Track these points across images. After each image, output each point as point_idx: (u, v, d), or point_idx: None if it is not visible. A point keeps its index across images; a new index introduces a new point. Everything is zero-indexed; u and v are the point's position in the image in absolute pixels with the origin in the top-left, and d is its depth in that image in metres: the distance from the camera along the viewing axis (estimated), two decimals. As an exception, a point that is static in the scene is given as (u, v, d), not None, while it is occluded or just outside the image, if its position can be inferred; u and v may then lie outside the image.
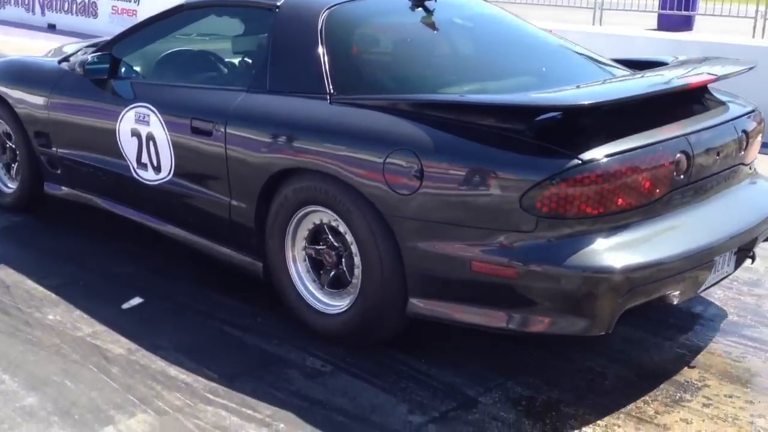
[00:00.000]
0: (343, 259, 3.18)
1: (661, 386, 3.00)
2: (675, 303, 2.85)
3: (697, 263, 2.84)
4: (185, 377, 3.04)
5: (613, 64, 3.79)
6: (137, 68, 4.18)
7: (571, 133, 2.78)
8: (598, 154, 2.68)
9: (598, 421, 2.78)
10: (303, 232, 3.29)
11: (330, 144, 3.07)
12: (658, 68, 3.67)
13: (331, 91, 3.21)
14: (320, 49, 3.33)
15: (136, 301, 3.72)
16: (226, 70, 4.17)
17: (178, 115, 3.66)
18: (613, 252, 2.68)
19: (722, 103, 3.40)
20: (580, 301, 2.66)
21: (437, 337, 3.31)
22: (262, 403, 2.87)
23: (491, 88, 3.39)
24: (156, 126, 3.74)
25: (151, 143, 3.78)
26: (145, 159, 3.84)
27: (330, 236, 3.20)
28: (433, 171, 2.80)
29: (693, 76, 3.23)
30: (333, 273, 3.23)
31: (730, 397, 2.95)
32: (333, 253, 3.21)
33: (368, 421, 2.79)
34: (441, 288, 2.90)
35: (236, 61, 4.24)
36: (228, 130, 3.40)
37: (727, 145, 3.17)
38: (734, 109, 3.38)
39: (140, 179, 3.91)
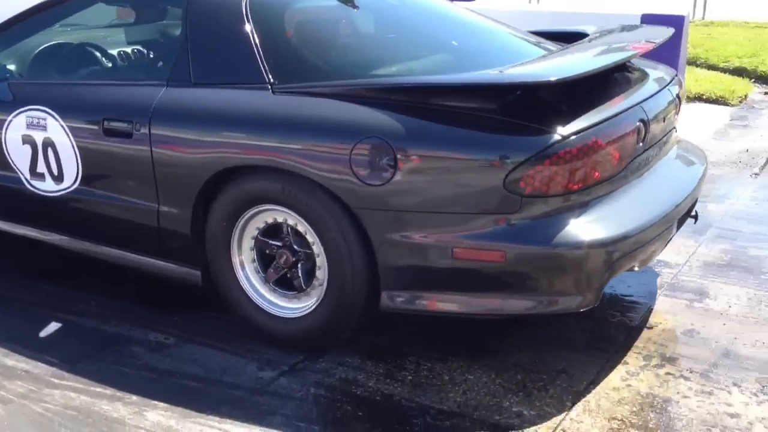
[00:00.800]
0: (300, 264, 2.98)
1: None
2: (636, 270, 2.90)
3: (662, 230, 2.90)
4: (25, 365, 2.98)
5: (542, 40, 3.73)
6: (17, 67, 3.72)
7: (543, 109, 2.73)
8: (575, 128, 2.64)
9: (435, 354, 3.03)
10: (251, 231, 3.03)
11: (282, 138, 2.82)
12: (592, 39, 3.60)
13: (271, 80, 2.94)
14: (251, 36, 3.05)
15: (-44, 299, 3.57)
16: (133, 64, 3.85)
17: (84, 117, 3.26)
18: (596, 226, 2.66)
19: (654, 69, 3.47)
20: (570, 279, 2.64)
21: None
22: (110, 381, 2.87)
23: (434, 67, 3.27)
24: (55, 131, 3.31)
25: (49, 150, 3.35)
26: (41, 168, 3.41)
27: (290, 237, 2.98)
28: (406, 159, 2.64)
29: (636, 45, 3.23)
30: (283, 272, 3.02)
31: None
32: (289, 254, 2.99)
33: (221, 383, 2.87)
34: (418, 279, 2.76)
35: (142, 52, 3.88)
36: (153, 130, 3.06)
37: (668, 110, 3.24)
38: (664, 75, 3.44)
39: (36, 191, 3.47)
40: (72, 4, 3.66)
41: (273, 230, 3.00)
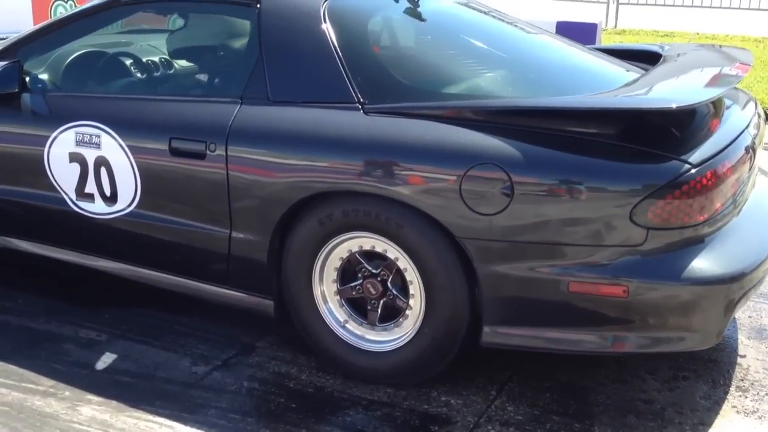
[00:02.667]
0: (389, 284, 2.78)
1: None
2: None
3: None
4: (-48, 363, 2.95)
5: (620, 62, 3.49)
6: (51, 76, 3.44)
7: (666, 136, 2.56)
8: (702, 156, 2.48)
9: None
10: (334, 262, 2.83)
11: (378, 162, 2.63)
12: (677, 59, 3.39)
13: (361, 99, 2.75)
14: (334, 51, 2.84)
15: None
16: (198, 78, 3.54)
17: (147, 135, 3.01)
18: (720, 260, 2.51)
19: (739, 93, 3.29)
20: (695, 315, 2.49)
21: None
22: (42, 377, 2.88)
23: (530, 90, 3.09)
24: (111, 149, 3.05)
25: (102, 170, 3.10)
26: (90, 189, 3.15)
27: (365, 264, 2.79)
28: (524, 187, 2.47)
29: (738, 67, 3.06)
30: (381, 304, 2.81)
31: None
32: (376, 281, 2.78)
33: (154, 378, 2.90)
34: (527, 313, 2.59)
35: (207, 67, 3.55)
36: (230, 152, 2.84)
37: (761, 135, 3.08)
38: (745, 96, 3.27)
39: (83, 213, 3.21)
40: (110, 14, 3.42)
41: (360, 259, 2.81)
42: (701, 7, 15.53)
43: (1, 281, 3.65)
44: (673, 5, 15.74)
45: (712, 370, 2.97)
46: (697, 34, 12.72)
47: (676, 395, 2.81)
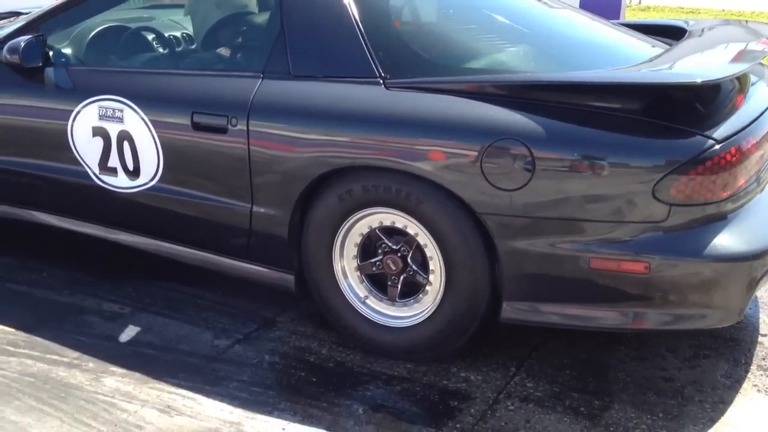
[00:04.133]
0: (410, 260, 2.78)
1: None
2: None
3: None
4: (-21, 334, 3.00)
5: (645, 36, 3.44)
6: (74, 51, 3.44)
7: (690, 112, 2.54)
8: (726, 132, 2.46)
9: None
10: (355, 237, 2.84)
11: (400, 137, 2.62)
12: (701, 35, 3.33)
13: (382, 74, 2.74)
14: (355, 25, 2.83)
15: None
16: (220, 53, 3.53)
17: (169, 109, 3.03)
18: (743, 237, 2.48)
19: (765, 69, 3.24)
20: (718, 292, 2.47)
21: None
22: (66, 348, 2.92)
23: (551, 64, 3.05)
24: (134, 123, 3.07)
25: (125, 144, 3.12)
26: (114, 163, 3.17)
27: (385, 240, 2.80)
28: (546, 162, 2.45)
29: (762, 42, 3.01)
30: (402, 280, 2.82)
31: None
32: (397, 257, 2.79)
33: (176, 350, 2.94)
34: (547, 289, 2.59)
35: (228, 41, 3.53)
36: (251, 126, 2.84)
37: None
38: (760, 74, 3.18)
39: (106, 186, 3.23)
40: None
41: (381, 234, 2.81)
42: (728, -17, 15.31)
43: (26, 254, 3.70)
44: (699, -19, 15.53)
45: (733, 348, 2.96)
46: (723, 10, 12.57)
47: (697, 373, 2.81)
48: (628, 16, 11.09)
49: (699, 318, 2.52)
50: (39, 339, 2.97)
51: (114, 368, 2.80)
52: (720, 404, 2.63)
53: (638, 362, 2.88)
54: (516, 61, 3.07)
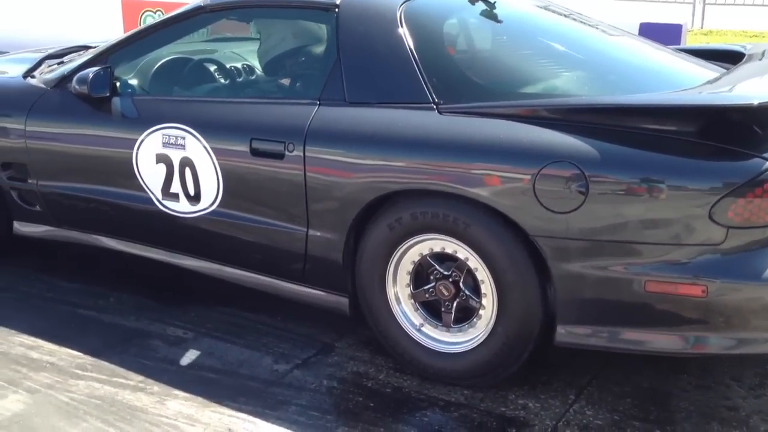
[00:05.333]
0: (462, 285, 2.80)
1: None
2: None
3: None
4: (49, 357, 3.09)
5: (702, 61, 3.46)
6: (139, 82, 3.57)
7: (746, 134, 2.51)
8: None
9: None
10: (407, 266, 2.87)
11: (453, 161, 2.65)
12: (758, 58, 3.31)
13: (436, 99, 2.78)
14: (409, 52, 2.89)
15: (-22, 295, 3.68)
16: (278, 81, 3.65)
17: (228, 136, 3.10)
18: None
19: None
20: None
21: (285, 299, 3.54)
22: (131, 372, 2.99)
23: (604, 87, 3.06)
24: (195, 149, 3.15)
25: (187, 170, 3.19)
26: (176, 188, 3.25)
27: (436, 266, 2.82)
28: (599, 185, 2.46)
29: None
30: (455, 305, 2.82)
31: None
32: (449, 283, 2.81)
33: (237, 374, 2.99)
34: (602, 313, 2.57)
35: (286, 70, 3.64)
36: (307, 152, 2.90)
37: None
38: None
39: (168, 212, 3.32)
40: (196, 21, 3.50)
41: (432, 261, 2.83)
42: (792, 6, 15.01)
43: (95, 281, 3.81)
44: (763, 4, 15.21)
45: (800, 378, 2.89)
46: (788, 34, 12.32)
47: (762, 402, 2.75)
48: (690, 40, 10.95)
49: (763, 342, 2.48)
50: (106, 363, 3.05)
51: (177, 392, 2.86)
52: (787, 434, 2.57)
53: (701, 391, 2.83)
54: (570, 85, 3.09)
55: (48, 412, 2.74)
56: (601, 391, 2.84)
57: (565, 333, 2.64)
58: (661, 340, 2.55)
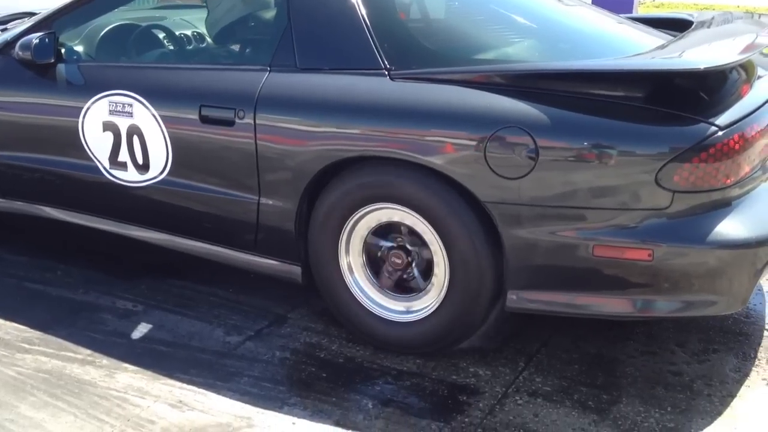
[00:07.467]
0: (414, 263, 2.83)
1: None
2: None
3: None
4: (-6, 332, 3.05)
5: (649, 28, 3.47)
6: (85, 48, 3.48)
7: (694, 99, 2.53)
8: (730, 118, 2.45)
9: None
10: (362, 231, 2.85)
11: (405, 127, 2.64)
12: (705, 27, 3.30)
13: (387, 65, 2.76)
14: (361, 18, 2.85)
15: None
16: (228, 48, 3.60)
17: (177, 102, 3.05)
18: (748, 224, 2.48)
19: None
20: (722, 280, 2.47)
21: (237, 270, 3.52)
22: (80, 346, 2.95)
23: (554, 53, 3.09)
24: (143, 117, 3.09)
25: (135, 138, 3.14)
26: (123, 157, 3.19)
27: (404, 238, 2.82)
28: (549, 150, 2.46)
29: (767, 33, 3.00)
30: (398, 275, 2.86)
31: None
32: (404, 255, 2.83)
33: (189, 347, 2.97)
34: (551, 278, 2.59)
35: (233, 34, 3.57)
36: (258, 119, 2.87)
37: None
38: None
39: (116, 181, 3.26)
40: None
41: (385, 231, 2.85)
42: (742, -22, 15.21)
43: (42, 253, 3.74)
44: (713, -23, 15.43)
45: (742, 343, 2.96)
46: (738, 6, 12.48)
47: (706, 368, 2.81)
48: (642, 11, 11.05)
49: (707, 305, 2.52)
50: (53, 336, 3.01)
51: (127, 365, 2.84)
52: (728, 398, 2.64)
53: (647, 357, 2.89)
54: (522, 52, 3.09)
55: (-6, 387, 2.70)
56: (550, 358, 2.88)
57: (516, 299, 2.65)
58: (610, 305, 2.58)
